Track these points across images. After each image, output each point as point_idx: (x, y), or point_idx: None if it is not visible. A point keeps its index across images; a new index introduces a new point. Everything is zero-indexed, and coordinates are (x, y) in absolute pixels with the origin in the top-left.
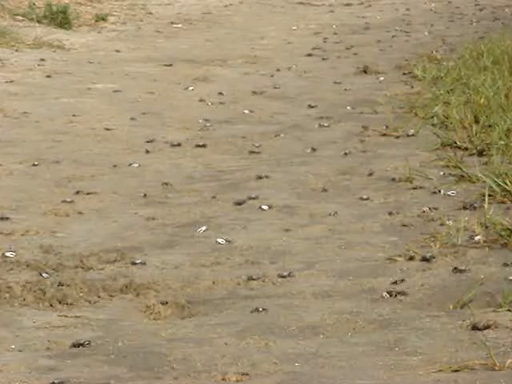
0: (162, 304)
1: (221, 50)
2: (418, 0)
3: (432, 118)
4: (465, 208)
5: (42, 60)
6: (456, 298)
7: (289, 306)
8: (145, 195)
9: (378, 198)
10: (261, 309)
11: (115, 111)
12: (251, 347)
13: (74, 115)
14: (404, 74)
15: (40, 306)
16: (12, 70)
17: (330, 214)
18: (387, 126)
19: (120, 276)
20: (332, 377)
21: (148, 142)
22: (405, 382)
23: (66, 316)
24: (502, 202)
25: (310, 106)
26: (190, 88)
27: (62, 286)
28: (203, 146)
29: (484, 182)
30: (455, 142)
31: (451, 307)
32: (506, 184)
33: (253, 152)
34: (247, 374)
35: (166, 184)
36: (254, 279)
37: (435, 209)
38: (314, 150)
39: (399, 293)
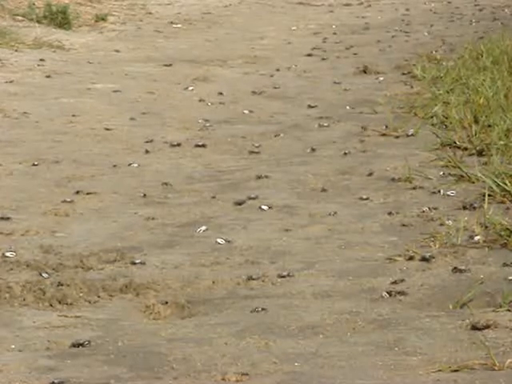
0: (162, 304)
1: (221, 50)
2: (418, 0)
3: (431, 117)
4: (464, 208)
5: (42, 60)
6: (456, 297)
7: (288, 305)
8: (144, 195)
9: (378, 198)
10: (260, 309)
11: (115, 111)
12: (251, 347)
13: (73, 115)
14: (403, 74)
15: (40, 306)
16: (12, 70)
17: (329, 214)
18: (387, 126)
19: (120, 276)
20: (332, 377)
21: (148, 142)
22: (404, 382)
23: (65, 316)
24: (502, 202)
25: (310, 106)
26: (190, 88)
27: (62, 285)
28: (203, 146)
29: (484, 181)
30: (455, 142)
31: (451, 307)
32: (505, 184)
33: (252, 152)
34: (247, 374)
35: (166, 184)
36: (253, 279)
37: (435, 209)
38: (313, 149)
39: (399, 293)
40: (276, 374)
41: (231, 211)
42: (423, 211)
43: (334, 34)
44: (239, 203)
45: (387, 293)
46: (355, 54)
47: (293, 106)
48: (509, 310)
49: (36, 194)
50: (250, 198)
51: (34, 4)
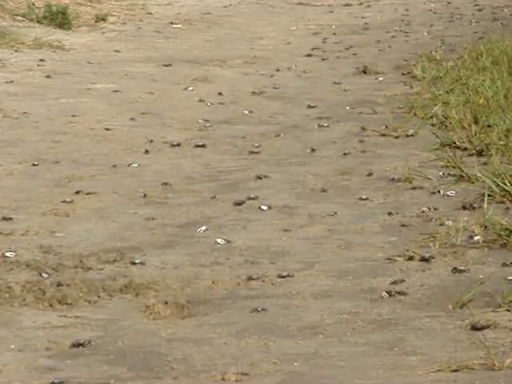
0: (162, 304)
1: (220, 51)
2: (418, 0)
3: (431, 118)
4: (464, 208)
5: (42, 60)
6: (455, 298)
7: (288, 306)
8: (144, 195)
9: (378, 198)
10: (260, 309)
11: (115, 111)
12: (251, 347)
13: (73, 115)
14: (403, 74)
15: (40, 306)
16: (12, 71)
17: (329, 214)
18: (386, 126)
19: (120, 276)
20: (331, 377)
21: (147, 142)
22: (404, 382)
23: (65, 316)
24: (502, 202)
25: (310, 107)
26: (190, 88)
27: (62, 285)
28: (203, 146)
29: (483, 182)
30: (454, 142)
31: (450, 307)
32: (505, 184)
33: (252, 152)
34: (247, 374)
35: (166, 184)
36: (253, 279)
37: (434, 209)
38: (313, 150)
39: (398, 293)
40: (276, 374)
41: (231, 211)
42: (423, 211)
43: (334, 34)
44: (239, 203)
45: (387, 293)
46: (355, 54)
47: (292, 106)
48: (508, 310)
49: (36, 194)
50: (250, 199)
51: (33, 4)
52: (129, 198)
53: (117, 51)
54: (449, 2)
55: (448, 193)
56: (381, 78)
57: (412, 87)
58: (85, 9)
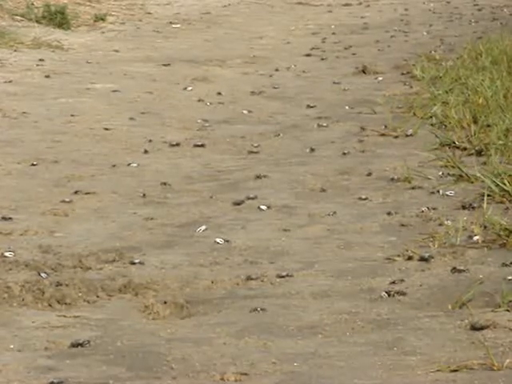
0: (161, 304)
1: (220, 50)
2: (417, 0)
3: (431, 117)
4: (463, 208)
5: (41, 60)
6: (455, 297)
7: (287, 305)
8: (144, 195)
9: (377, 198)
10: (259, 309)
11: (114, 111)
12: (250, 347)
13: (72, 115)
14: (403, 73)
15: (39, 306)
16: (11, 70)
17: (328, 214)
18: (386, 126)
19: (119, 276)
20: (331, 376)
21: (147, 141)
22: (403, 382)
23: (64, 316)
24: (501, 202)
25: (309, 106)
26: (189, 88)
27: (61, 285)
28: (202, 145)
29: (483, 181)
30: (454, 142)
31: (450, 307)
32: (504, 184)
33: (251, 152)
34: (246, 374)
35: (165, 184)
36: (252, 279)
37: (434, 209)
38: (312, 150)
39: (398, 293)
40: (275, 373)
41: (230, 211)
42: (422, 211)
43: (333, 34)
44: (238, 203)
45: (386, 293)
46: (354, 53)
47: (292, 106)
48: (508, 310)
49: (35, 194)
50: (249, 198)
51: (32, 4)
52: (128, 197)
53: (116, 51)
54: (448, 2)
55: (447, 192)
56: (380, 78)
57: (411, 87)
58: (84, 8)
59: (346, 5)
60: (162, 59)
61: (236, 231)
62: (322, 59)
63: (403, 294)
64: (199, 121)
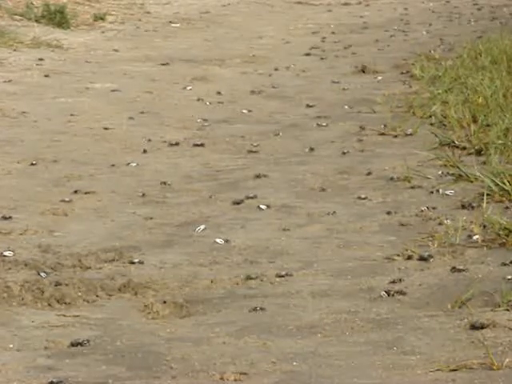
0: (161, 303)
1: (219, 50)
2: None
3: (430, 117)
4: (463, 207)
5: (41, 59)
6: (454, 297)
7: (287, 305)
8: (143, 194)
9: (376, 198)
10: (259, 308)
11: (113, 111)
12: (249, 346)
13: (72, 115)
14: (402, 73)
15: (38, 306)
16: (10, 70)
17: (328, 214)
18: (385, 126)
19: (118, 275)
20: (330, 376)
21: (146, 141)
22: (403, 382)
23: (64, 315)
24: (500, 202)
25: (308, 106)
26: (189, 87)
27: (60, 285)
28: (201, 145)
29: (482, 181)
30: (453, 142)
31: (449, 306)
32: (504, 183)
33: (251, 151)
34: (245, 374)
35: (165, 183)
36: (252, 278)
37: (433, 208)
38: (312, 149)
39: (397, 292)
40: (274, 373)
41: (230, 211)
42: (422, 211)
43: (333, 33)
44: (238, 202)
45: (386, 292)
46: (354, 53)
47: (291, 105)
48: (507, 310)
49: (34, 194)
50: (249, 198)
51: (32, 3)
52: (127, 197)
53: (115, 50)
54: (447, 1)
55: (447, 192)
56: (380, 77)
57: (411, 86)
58: (83, 8)
59: (346, 4)
60: (161, 59)
61: (235, 231)
62: (322, 59)
63: (403, 293)
64: (198, 120)
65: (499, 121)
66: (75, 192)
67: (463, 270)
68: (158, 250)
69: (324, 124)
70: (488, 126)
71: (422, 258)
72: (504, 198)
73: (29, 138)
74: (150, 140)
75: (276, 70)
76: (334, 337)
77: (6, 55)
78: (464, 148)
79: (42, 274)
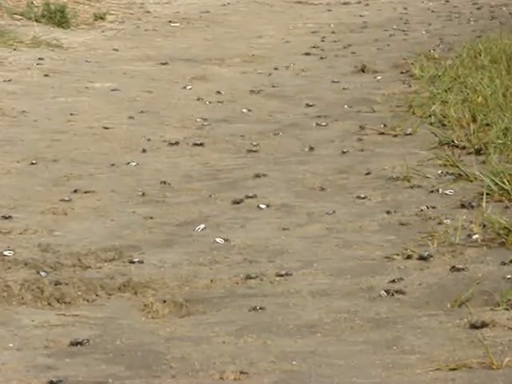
0: (160, 303)
1: (219, 49)
2: None
3: (430, 116)
4: (463, 207)
5: (40, 59)
6: (454, 296)
7: (287, 304)
8: (143, 194)
9: (376, 197)
10: (259, 307)
11: (113, 110)
12: (249, 346)
13: (71, 114)
14: (402, 72)
15: (38, 305)
16: (10, 69)
17: (327, 213)
18: (385, 125)
19: (118, 274)
20: (330, 375)
21: (146, 140)
22: (402, 381)
23: (64, 315)
24: (500, 201)
25: (308, 105)
26: (188, 87)
27: (60, 284)
28: (201, 144)
29: (482, 180)
30: (453, 141)
31: (449, 306)
32: (503, 183)
33: (251, 151)
34: (245, 373)
35: (164, 183)
36: (251, 278)
37: (433, 207)
38: (311, 148)
39: (397, 291)
40: (274, 372)
41: (229, 210)
42: (421, 210)
43: (333, 32)
44: (237, 202)
45: (385, 291)
46: (353, 52)
47: (291, 104)
48: (507, 309)
49: (34, 193)
50: (248, 197)
51: (32, 3)
52: (127, 196)
53: (115, 50)
54: (447, 1)
55: (446, 191)
56: (379, 77)
57: (410, 86)
58: (83, 7)
59: (345, 4)
60: (161, 58)
61: (235, 230)
62: (321, 58)
63: (402, 292)
64: (198, 120)
65: (499, 120)
66: (75, 191)
67: (463, 270)
68: (157, 250)
69: (324, 123)
70: (487, 125)
71: (421, 258)
72: (503, 198)
73: (29, 137)
74: (149, 139)
75: (276, 69)
76: (334, 336)
77: (5, 54)
78: (463, 147)
79: (42, 274)
